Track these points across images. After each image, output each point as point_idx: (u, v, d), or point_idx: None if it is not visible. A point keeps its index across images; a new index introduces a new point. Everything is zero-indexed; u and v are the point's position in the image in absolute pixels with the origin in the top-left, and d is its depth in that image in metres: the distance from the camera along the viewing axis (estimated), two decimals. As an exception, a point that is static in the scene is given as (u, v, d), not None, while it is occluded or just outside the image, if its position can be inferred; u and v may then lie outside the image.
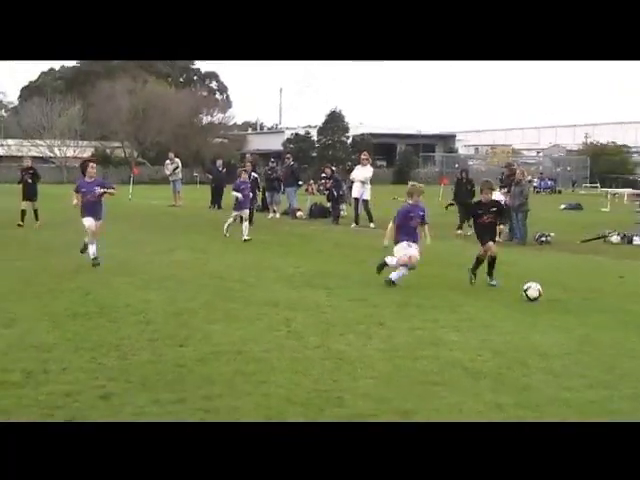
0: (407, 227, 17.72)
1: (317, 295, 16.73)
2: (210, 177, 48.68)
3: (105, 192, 20.70)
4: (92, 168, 21.08)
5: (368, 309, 15.15)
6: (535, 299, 15.93)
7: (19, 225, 31.06)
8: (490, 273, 17.87)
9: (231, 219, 28.69)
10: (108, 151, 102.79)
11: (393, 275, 17.61)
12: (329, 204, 39.13)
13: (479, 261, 18.18)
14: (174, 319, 14.03)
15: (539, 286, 16.05)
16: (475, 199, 19.33)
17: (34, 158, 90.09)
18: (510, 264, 22.59)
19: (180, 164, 49.18)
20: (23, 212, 31.82)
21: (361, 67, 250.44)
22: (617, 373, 11.00)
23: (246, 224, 28.09)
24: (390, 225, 18.06)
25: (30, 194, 32.32)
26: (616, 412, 9.24)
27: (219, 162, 48.87)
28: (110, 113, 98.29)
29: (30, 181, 32.66)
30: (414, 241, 17.71)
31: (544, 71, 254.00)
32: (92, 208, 20.45)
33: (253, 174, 36.35)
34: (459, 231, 30.81)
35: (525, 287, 16.28)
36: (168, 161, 49.01)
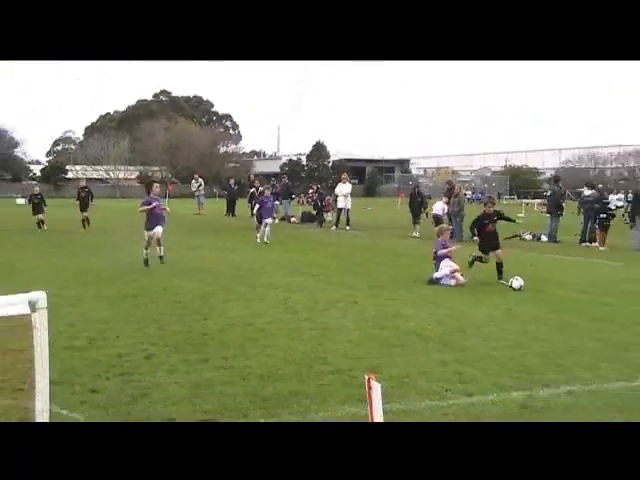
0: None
1: (307, 280, 16.74)
2: (225, 192, 48.93)
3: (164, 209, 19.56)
4: (157, 187, 20.01)
5: (345, 291, 15.15)
6: (519, 289, 15.62)
7: (82, 229, 31.08)
8: (500, 277, 16.88)
9: (267, 228, 26.89)
10: (149, 173, 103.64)
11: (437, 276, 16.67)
12: (315, 212, 39.24)
13: (479, 258, 17.65)
14: (199, 299, 14.00)
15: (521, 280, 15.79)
16: (480, 212, 18.50)
17: (95, 179, 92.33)
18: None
19: (203, 183, 49.63)
20: (83, 221, 31.82)
21: (341, 102, 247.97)
22: (530, 337, 11.04)
23: (268, 229, 26.65)
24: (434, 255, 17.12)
25: (84, 207, 32.27)
26: (528, 365, 9.32)
27: (232, 181, 49.04)
28: (151, 145, 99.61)
29: (84, 196, 32.58)
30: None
31: (477, 108, 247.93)
32: (157, 219, 19.04)
33: (260, 188, 36.34)
34: (413, 233, 31.18)
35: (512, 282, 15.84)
36: (194, 180, 49.48)
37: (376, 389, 3.98)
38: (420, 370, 8.98)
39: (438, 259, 16.84)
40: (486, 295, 14.91)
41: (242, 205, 44.25)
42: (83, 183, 35.36)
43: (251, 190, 38.13)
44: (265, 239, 26.29)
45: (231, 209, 45.34)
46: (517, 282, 15.59)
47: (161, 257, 19.00)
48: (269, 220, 27.02)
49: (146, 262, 18.64)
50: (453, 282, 16.29)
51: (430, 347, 10.28)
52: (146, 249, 18.74)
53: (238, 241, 27.50)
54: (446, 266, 16.53)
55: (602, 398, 7.97)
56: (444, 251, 16.74)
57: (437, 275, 16.53)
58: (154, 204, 18.99)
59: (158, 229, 18.86)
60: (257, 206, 28.50)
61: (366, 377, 4.08)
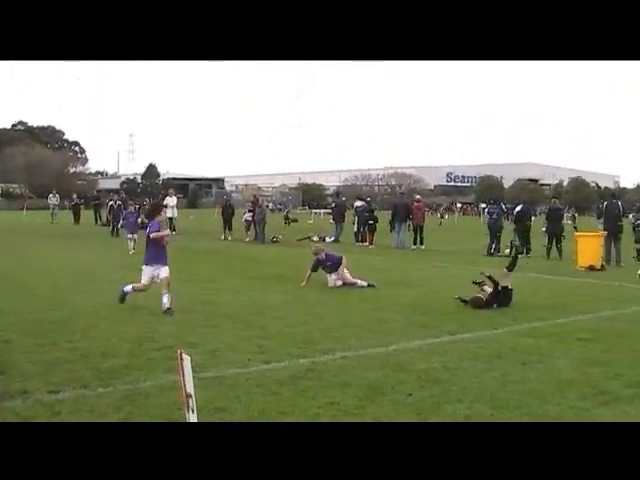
0: None
1: (137, 274, 16.30)
2: (72, 204, 48.43)
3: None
4: (165, 213, 13.85)
5: (171, 283, 14.93)
6: None
7: None
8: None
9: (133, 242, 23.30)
10: (10, 189, 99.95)
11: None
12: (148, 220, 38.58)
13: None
14: (52, 292, 13.52)
15: None
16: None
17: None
18: (256, 255, 22.84)
19: (58, 197, 48.93)
20: None
21: (173, 127, 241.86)
22: (314, 316, 11.30)
23: (133, 243, 23.11)
24: None
25: None
26: (312, 338, 9.53)
27: (75, 195, 49.16)
28: (12, 166, 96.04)
29: None
30: None
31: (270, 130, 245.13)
32: (161, 251, 12.08)
33: (114, 202, 35.25)
34: (222, 237, 31.20)
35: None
36: (51, 195, 48.75)
37: (186, 360, 3.98)
38: (228, 344, 9.02)
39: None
40: (280, 284, 15.09)
41: (86, 215, 43.75)
42: None
43: (109, 203, 36.87)
44: (132, 251, 22.35)
45: (77, 218, 44.47)
46: None
47: (168, 308, 11.32)
48: (135, 236, 23.35)
49: (122, 299, 12.12)
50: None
51: (237, 326, 10.32)
52: (141, 290, 12.07)
53: (83, 243, 26.60)
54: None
55: (367, 360, 8.30)
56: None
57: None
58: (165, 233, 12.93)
59: (165, 270, 11.81)
60: (122, 220, 26.84)
61: (178, 351, 4.08)
